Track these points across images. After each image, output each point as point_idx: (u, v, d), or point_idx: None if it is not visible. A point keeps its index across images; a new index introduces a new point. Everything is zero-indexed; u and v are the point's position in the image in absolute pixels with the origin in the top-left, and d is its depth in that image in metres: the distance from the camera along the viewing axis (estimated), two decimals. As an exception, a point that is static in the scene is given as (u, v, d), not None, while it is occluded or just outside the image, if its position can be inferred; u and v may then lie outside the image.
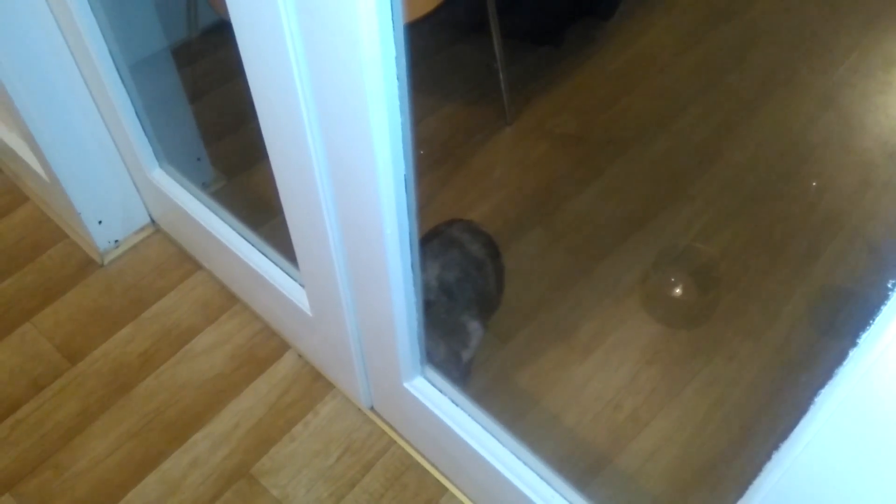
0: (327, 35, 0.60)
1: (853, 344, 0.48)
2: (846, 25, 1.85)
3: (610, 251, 1.42)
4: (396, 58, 0.59)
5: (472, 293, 1.19)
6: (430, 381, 1.00)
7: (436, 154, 1.61)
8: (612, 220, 1.48)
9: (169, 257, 1.44)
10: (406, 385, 1.01)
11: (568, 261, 1.41)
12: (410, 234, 0.78)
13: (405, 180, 0.71)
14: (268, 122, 0.80)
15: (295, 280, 1.14)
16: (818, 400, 0.51)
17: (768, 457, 0.60)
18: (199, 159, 1.52)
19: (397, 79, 0.60)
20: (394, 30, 0.57)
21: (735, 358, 1.27)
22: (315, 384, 1.25)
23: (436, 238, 1.22)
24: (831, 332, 1.30)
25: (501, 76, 1.61)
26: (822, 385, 0.52)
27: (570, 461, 1.16)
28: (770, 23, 1.87)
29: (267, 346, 1.30)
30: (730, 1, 1.92)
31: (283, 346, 1.30)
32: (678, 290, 1.37)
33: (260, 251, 1.19)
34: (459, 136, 1.64)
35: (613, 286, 1.37)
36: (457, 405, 0.98)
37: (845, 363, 0.47)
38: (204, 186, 1.53)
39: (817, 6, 1.90)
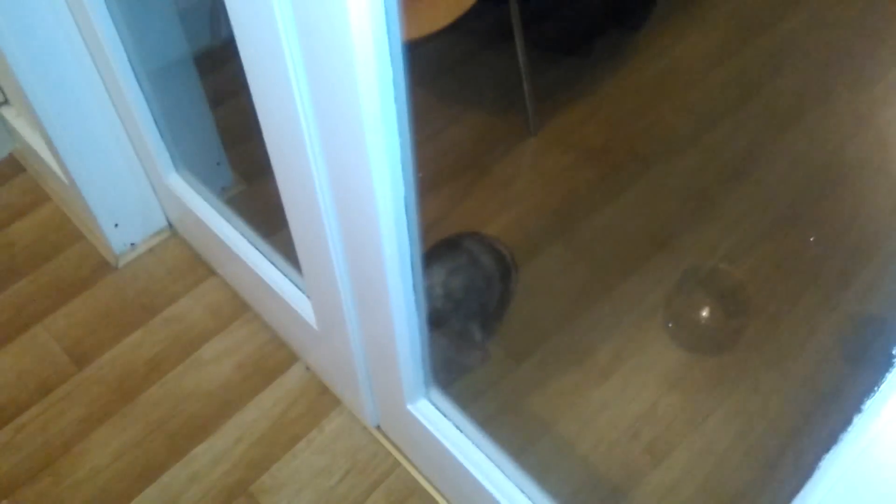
0: (325, 56, 0.59)
1: (858, 410, 0.44)
2: (883, 42, 1.78)
3: (632, 270, 1.37)
4: (394, 80, 0.56)
5: (476, 305, 1.18)
6: (434, 405, 0.97)
7: (459, 163, 1.58)
8: (636, 237, 1.43)
9: (183, 262, 1.43)
10: (409, 407, 0.97)
11: (588, 278, 1.37)
12: (412, 256, 0.75)
13: (405, 202, 0.68)
14: (272, 139, 0.79)
15: (303, 292, 1.11)
16: (822, 464, 0.47)
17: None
18: (218, 164, 1.50)
19: (395, 101, 0.57)
20: (391, 52, 0.54)
21: (760, 388, 1.21)
22: (321, 399, 1.22)
23: (447, 245, 1.21)
24: (862, 364, 1.23)
25: (526, 86, 1.57)
26: (847, 420, 0.48)
27: (582, 493, 1.12)
28: (805, 38, 1.80)
29: (275, 356, 1.28)
30: (763, 15, 1.86)
31: (291, 358, 1.28)
32: (703, 314, 1.31)
33: (270, 261, 1.17)
34: (483, 145, 1.60)
35: (635, 307, 1.32)
36: (461, 432, 0.94)
37: (848, 430, 0.43)
38: (223, 191, 1.52)
39: (853, 22, 1.83)
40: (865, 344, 1.28)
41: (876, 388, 0.46)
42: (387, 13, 0.53)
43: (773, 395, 1.20)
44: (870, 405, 0.45)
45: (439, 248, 1.21)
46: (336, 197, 0.75)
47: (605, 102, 1.67)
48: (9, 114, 1.51)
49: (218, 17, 1.64)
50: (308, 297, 1.07)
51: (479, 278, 1.19)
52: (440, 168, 1.57)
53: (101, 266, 1.42)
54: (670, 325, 1.28)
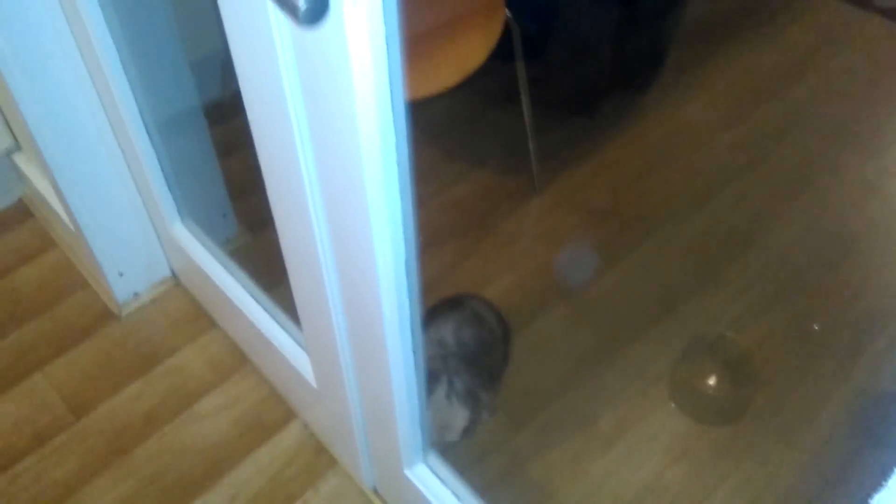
0: (329, 120, 0.59)
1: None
2: (891, 112, 1.78)
3: (637, 335, 1.35)
4: (397, 145, 0.56)
5: (484, 358, 1.16)
6: (431, 470, 0.95)
7: (463, 221, 1.57)
8: (641, 301, 1.41)
9: (185, 312, 1.42)
10: (406, 472, 0.95)
11: (592, 343, 1.35)
12: (412, 318, 0.74)
13: (406, 265, 0.68)
14: (275, 197, 0.80)
15: (303, 349, 1.10)
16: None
17: None
18: (224, 215, 1.51)
19: (397, 165, 0.57)
20: (394, 118, 0.54)
21: (768, 462, 1.18)
22: (318, 459, 1.20)
23: (450, 303, 1.21)
24: (873, 440, 1.20)
25: (532, 145, 1.58)
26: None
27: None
28: (814, 105, 1.81)
29: (273, 412, 1.26)
30: (771, 83, 1.87)
31: (289, 415, 1.26)
32: (709, 383, 1.29)
33: (271, 315, 1.16)
34: (488, 203, 1.61)
35: (640, 374, 1.30)
36: (458, 499, 0.92)
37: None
38: (227, 242, 1.52)
39: (861, 91, 1.84)
40: (876, 419, 1.25)
41: (884, 483, 0.44)
42: (390, 79, 0.53)
43: (781, 470, 1.17)
44: (879, 500, 0.43)
45: (443, 305, 1.21)
46: (337, 257, 0.75)
47: (610, 164, 1.68)
48: (20, 160, 1.53)
49: (230, 71, 1.67)
50: (308, 353, 1.06)
51: (485, 332, 1.19)
52: (444, 225, 1.57)
53: (104, 314, 1.42)
54: (676, 396, 1.26)
